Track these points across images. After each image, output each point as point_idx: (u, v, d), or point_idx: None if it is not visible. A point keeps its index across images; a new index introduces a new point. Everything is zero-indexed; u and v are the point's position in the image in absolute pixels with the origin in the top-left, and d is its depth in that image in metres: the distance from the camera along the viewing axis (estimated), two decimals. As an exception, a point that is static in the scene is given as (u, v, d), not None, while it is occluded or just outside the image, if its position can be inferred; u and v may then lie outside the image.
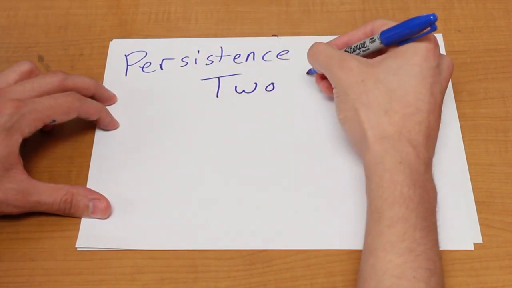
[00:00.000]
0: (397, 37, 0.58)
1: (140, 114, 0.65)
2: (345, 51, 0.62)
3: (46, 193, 0.57)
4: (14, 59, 0.70)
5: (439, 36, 0.70)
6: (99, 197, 0.59)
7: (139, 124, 0.65)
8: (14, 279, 0.56)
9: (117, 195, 0.60)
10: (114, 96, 0.66)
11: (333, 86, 0.60)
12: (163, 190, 0.60)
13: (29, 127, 0.57)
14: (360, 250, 0.56)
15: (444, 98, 0.64)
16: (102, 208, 0.58)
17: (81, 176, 0.62)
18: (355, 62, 0.58)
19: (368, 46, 0.60)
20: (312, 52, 0.62)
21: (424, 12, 0.71)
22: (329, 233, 0.57)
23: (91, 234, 0.58)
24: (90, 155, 0.63)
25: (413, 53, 0.57)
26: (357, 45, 0.61)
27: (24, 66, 0.61)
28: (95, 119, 0.63)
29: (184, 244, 0.57)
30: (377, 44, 0.60)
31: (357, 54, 0.61)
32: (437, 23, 0.70)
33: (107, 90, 0.66)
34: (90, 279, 0.56)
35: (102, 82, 0.68)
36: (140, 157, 0.63)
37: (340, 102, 0.59)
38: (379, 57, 0.59)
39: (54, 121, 0.59)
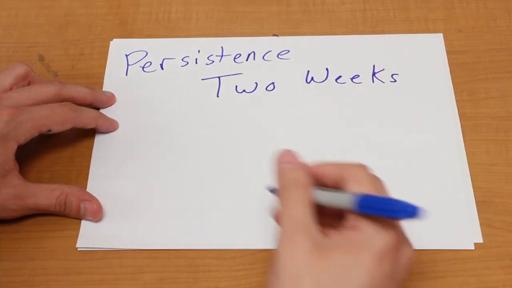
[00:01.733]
0: (374, 214, 0.46)
1: (140, 114, 0.65)
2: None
3: (43, 195, 0.57)
4: (14, 58, 0.70)
5: (439, 36, 0.70)
6: (90, 199, 0.58)
7: (140, 124, 0.65)
8: (14, 279, 0.56)
9: (117, 195, 0.60)
10: (113, 96, 0.66)
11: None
12: (163, 189, 0.60)
13: (24, 135, 0.57)
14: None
15: (444, 98, 0.65)
16: (92, 210, 0.58)
17: (81, 176, 0.62)
18: (306, 243, 0.45)
19: (339, 201, 0.47)
20: (284, 183, 0.49)
21: (424, 12, 0.72)
22: (329, 233, 0.57)
23: (92, 234, 0.58)
24: (91, 155, 0.63)
25: (365, 249, 0.45)
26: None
27: (20, 69, 0.61)
28: (92, 127, 0.63)
29: (184, 244, 0.57)
30: (348, 204, 0.46)
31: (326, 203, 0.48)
32: (438, 23, 0.71)
33: (104, 93, 0.66)
34: (90, 278, 0.56)
35: (103, 82, 0.68)
36: (141, 156, 0.63)
37: (271, 283, 0.46)
38: (333, 241, 0.46)
39: (50, 130, 0.59)
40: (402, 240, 0.47)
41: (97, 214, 0.58)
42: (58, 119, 0.59)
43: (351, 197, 0.46)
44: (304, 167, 0.50)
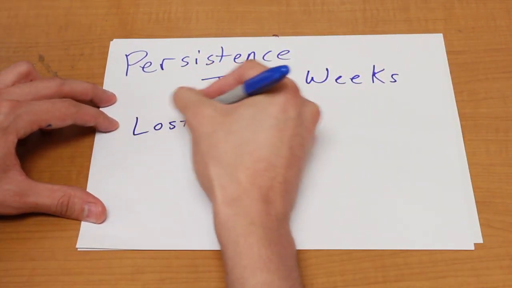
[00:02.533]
0: (258, 87, 0.55)
1: (140, 114, 0.65)
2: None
3: (44, 194, 0.57)
4: (14, 59, 0.70)
5: (439, 36, 0.70)
6: (95, 201, 0.58)
7: (140, 124, 0.65)
8: (14, 279, 0.56)
9: (117, 195, 0.60)
10: (114, 96, 0.66)
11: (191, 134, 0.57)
12: (163, 189, 0.60)
13: (24, 128, 0.57)
14: (361, 250, 0.56)
15: (444, 98, 0.65)
16: (97, 212, 0.58)
17: (81, 176, 0.62)
18: (209, 109, 0.55)
19: (234, 94, 0.57)
20: (174, 97, 0.60)
21: (424, 12, 0.72)
22: (329, 232, 0.57)
23: (92, 234, 0.58)
24: (91, 155, 0.63)
25: (269, 102, 0.54)
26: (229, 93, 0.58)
27: (22, 67, 0.61)
28: (92, 125, 0.63)
29: (184, 244, 0.57)
30: (240, 93, 0.56)
31: (228, 102, 0.57)
32: (438, 23, 0.71)
33: (105, 91, 0.66)
34: (90, 279, 0.56)
35: (103, 82, 0.68)
36: (141, 157, 0.63)
37: (194, 153, 0.56)
38: (236, 104, 0.56)
39: (49, 125, 0.59)
40: (299, 97, 0.55)
41: (101, 217, 0.58)
42: (58, 114, 0.59)
43: (240, 86, 0.56)
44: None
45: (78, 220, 0.58)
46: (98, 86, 0.65)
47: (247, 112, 0.54)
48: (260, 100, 0.55)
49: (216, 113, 0.55)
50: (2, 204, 0.56)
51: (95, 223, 0.58)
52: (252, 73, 0.56)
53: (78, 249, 0.57)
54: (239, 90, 0.57)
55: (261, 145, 0.53)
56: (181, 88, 0.60)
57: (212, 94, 0.60)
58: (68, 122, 0.60)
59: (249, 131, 0.53)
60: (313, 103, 0.57)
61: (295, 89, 0.55)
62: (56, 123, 0.59)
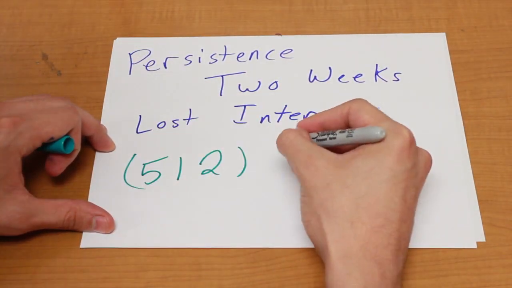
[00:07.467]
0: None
1: (143, 113, 0.65)
2: (317, 134, 0.56)
3: (50, 212, 0.56)
4: (18, 57, 0.70)
5: (442, 36, 0.70)
6: (102, 213, 0.58)
7: (143, 122, 0.65)
8: (18, 276, 0.56)
9: (120, 193, 0.60)
10: (113, 144, 0.63)
11: (300, 184, 0.54)
12: (167, 188, 0.60)
13: (27, 146, 0.55)
14: (363, 248, 0.56)
15: (447, 97, 0.65)
16: (105, 223, 0.57)
17: (84, 173, 0.62)
18: (322, 161, 0.52)
19: (335, 136, 0.54)
20: (282, 143, 0.56)
21: (427, 12, 0.72)
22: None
23: (95, 234, 0.58)
24: (94, 152, 0.63)
25: (386, 153, 0.51)
26: (328, 132, 0.55)
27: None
28: (89, 134, 0.61)
29: (187, 242, 0.57)
30: (344, 137, 0.54)
31: (325, 140, 0.55)
32: (441, 23, 0.71)
33: (107, 135, 0.63)
34: (94, 276, 0.56)
35: (106, 80, 0.68)
36: (144, 155, 0.63)
37: (304, 204, 0.54)
38: (349, 154, 0.52)
39: (52, 138, 0.56)
40: (414, 145, 0.52)
41: (110, 227, 0.58)
42: (61, 124, 0.57)
43: (345, 134, 0.53)
44: (300, 124, 0.58)
45: (85, 232, 0.58)
46: (103, 127, 0.63)
47: (363, 164, 0.51)
48: (374, 150, 0.51)
49: (330, 165, 0.52)
50: (8, 227, 0.55)
51: (104, 233, 0.58)
52: (361, 117, 0.53)
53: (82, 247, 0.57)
54: (343, 134, 0.54)
55: (378, 199, 0.50)
56: (288, 132, 0.56)
57: (313, 128, 0.57)
58: (69, 130, 0.58)
59: (365, 185, 0.50)
60: (425, 151, 0.54)
61: (410, 138, 0.52)
62: (59, 135, 0.57)
